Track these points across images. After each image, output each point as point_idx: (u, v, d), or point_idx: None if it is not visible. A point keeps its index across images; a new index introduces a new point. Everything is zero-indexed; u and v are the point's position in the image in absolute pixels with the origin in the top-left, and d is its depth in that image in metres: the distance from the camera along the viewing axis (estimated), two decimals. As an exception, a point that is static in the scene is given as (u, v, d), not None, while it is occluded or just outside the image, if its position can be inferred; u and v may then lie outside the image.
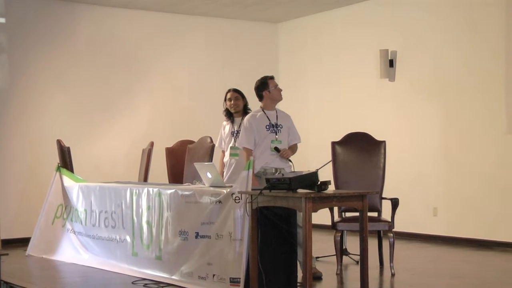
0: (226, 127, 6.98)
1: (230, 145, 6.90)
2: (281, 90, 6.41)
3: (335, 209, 6.76)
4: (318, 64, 10.37)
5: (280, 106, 9.72)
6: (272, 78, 6.43)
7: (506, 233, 7.94)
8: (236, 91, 6.97)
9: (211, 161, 7.04)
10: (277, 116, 6.37)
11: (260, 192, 5.17)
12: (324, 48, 10.29)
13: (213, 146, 7.32)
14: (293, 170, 6.04)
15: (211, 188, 5.92)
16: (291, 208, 5.18)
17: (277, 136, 6.31)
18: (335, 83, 10.08)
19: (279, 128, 6.33)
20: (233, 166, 6.85)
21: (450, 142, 8.57)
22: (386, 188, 6.99)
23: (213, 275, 5.66)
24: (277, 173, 6.00)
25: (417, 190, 8.85)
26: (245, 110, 6.90)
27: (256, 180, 5.93)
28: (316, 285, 5.83)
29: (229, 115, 6.95)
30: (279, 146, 6.25)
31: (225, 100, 7.00)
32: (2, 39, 8.96)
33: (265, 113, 6.38)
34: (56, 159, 8.21)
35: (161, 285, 5.99)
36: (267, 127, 6.33)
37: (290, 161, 6.26)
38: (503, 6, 8.03)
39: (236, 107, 6.89)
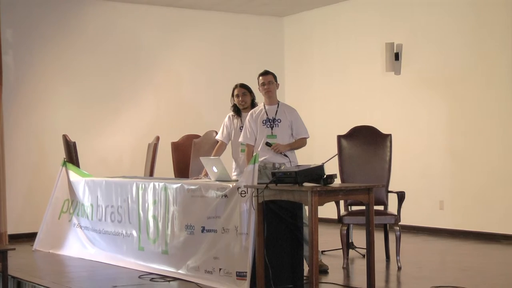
0: (234, 120, 6.85)
1: (240, 140, 6.80)
2: (264, 85, 6.34)
3: (341, 202, 6.75)
4: (323, 57, 10.35)
5: (285, 99, 9.76)
6: (261, 74, 6.39)
7: (512, 226, 7.93)
8: (243, 86, 6.74)
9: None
10: (277, 110, 6.35)
11: (266, 186, 5.17)
12: (329, 42, 10.27)
13: (219, 140, 7.23)
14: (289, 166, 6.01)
15: (217, 182, 5.92)
16: (297, 202, 5.18)
17: (272, 131, 6.29)
18: (340, 77, 10.06)
19: (276, 123, 6.30)
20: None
21: (456, 135, 8.55)
22: (392, 181, 6.98)
23: (220, 269, 5.67)
24: (276, 169, 5.97)
25: (424, 184, 8.83)
26: (253, 105, 6.73)
27: None
28: (322, 279, 5.83)
29: (237, 111, 6.81)
30: (274, 141, 6.22)
31: (232, 95, 6.79)
32: (7, 33, 8.96)
33: (265, 108, 6.38)
34: (62, 154, 8.23)
35: (168, 279, 6.00)
36: (264, 122, 6.31)
37: (286, 156, 6.22)
38: (509, -1, 8.01)
39: (244, 103, 6.70)
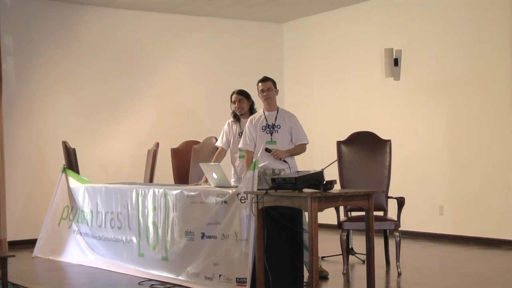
0: (233, 126, 6.87)
1: (239, 146, 6.80)
2: (263, 92, 6.35)
3: (341, 208, 6.75)
4: (323, 63, 10.37)
5: (285, 105, 9.77)
6: (260, 81, 6.41)
7: (512, 232, 7.93)
8: (240, 93, 6.78)
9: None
10: (276, 116, 6.35)
11: (266, 192, 5.17)
12: (329, 48, 10.28)
13: (218, 146, 7.23)
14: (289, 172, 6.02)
15: (217, 189, 5.93)
16: (296, 207, 5.18)
17: (272, 137, 6.29)
18: (340, 82, 10.07)
19: (275, 129, 6.31)
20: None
21: (456, 140, 8.55)
22: (392, 187, 6.98)
23: (220, 275, 5.66)
24: (275, 175, 5.98)
25: (423, 189, 8.83)
26: (252, 111, 6.76)
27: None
28: (322, 285, 5.83)
29: (236, 117, 6.82)
30: (274, 147, 6.23)
31: (231, 102, 6.91)
32: (7, 41, 8.97)
33: (264, 114, 6.38)
34: (62, 161, 8.23)
35: (168, 285, 6.00)
36: (263, 128, 6.32)
37: (285, 162, 6.23)
38: (507, 5, 8.01)
39: (241, 110, 6.74)
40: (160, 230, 6.36)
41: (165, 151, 8.47)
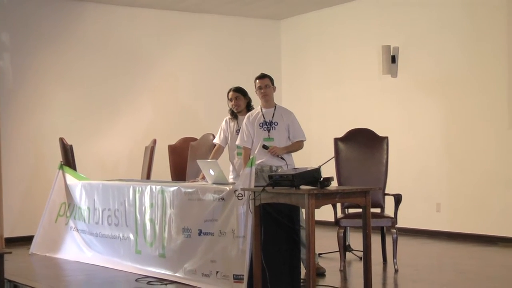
0: (231, 124, 6.86)
1: (236, 143, 6.80)
2: (261, 89, 6.34)
3: (338, 205, 6.75)
4: (320, 60, 10.37)
5: (282, 102, 9.76)
6: (257, 78, 6.40)
7: (509, 229, 7.93)
8: (237, 90, 6.76)
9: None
10: (273, 113, 6.35)
11: (263, 189, 5.17)
12: (326, 45, 10.28)
13: (215, 143, 7.22)
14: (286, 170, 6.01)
15: (214, 185, 5.93)
16: (294, 204, 5.18)
17: (269, 134, 6.29)
18: (337, 80, 10.08)
19: (273, 126, 6.31)
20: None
21: (453, 137, 8.56)
22: (389, 184, 6.98)
23: (217, 272, 5.67)
24: (273, 172, 5.97)
25: (420, 186, 8.84)
26: (249, 108, 6.76)
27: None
28: (319, 282, 5.83)
29: (234, 114, 6.83)
30: (271, 144, 6.23)
31: (228, 99, 6.92)
32: (4, 38, 8.96)
33: (261, 110, 6.38)
34: (59, 158, 8.22)
35: (165, 282, 6.00)
36: (261, 125, 6.32)
37: (283, 159, 6.23)
38: (504, 4, 8.02)
39: (237, 107, 6.73)
40: (157, 227, 6.36)
41: (163, 147, 8.47)
